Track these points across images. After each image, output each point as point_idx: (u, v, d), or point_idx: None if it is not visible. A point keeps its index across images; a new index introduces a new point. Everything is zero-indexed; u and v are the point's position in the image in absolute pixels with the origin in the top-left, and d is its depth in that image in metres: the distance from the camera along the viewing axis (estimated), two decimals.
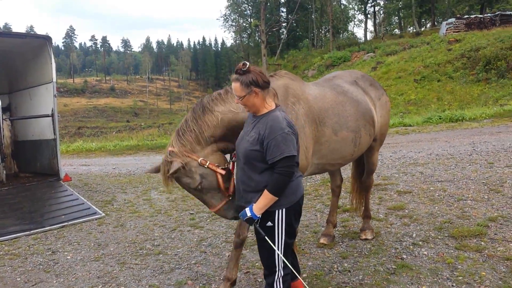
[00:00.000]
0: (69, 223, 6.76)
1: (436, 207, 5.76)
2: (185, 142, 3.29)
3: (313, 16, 51.66)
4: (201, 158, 3.28)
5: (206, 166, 3.28)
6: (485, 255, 4.17)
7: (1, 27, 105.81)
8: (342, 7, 59.61)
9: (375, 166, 4.86)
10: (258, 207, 2.83)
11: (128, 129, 45.95)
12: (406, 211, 5.74)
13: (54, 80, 8.28)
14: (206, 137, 3.32)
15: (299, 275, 3.20)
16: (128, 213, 7.27)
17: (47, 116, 8.55)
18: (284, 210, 2.88)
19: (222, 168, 3.31)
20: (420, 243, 4.63)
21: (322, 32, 59.72)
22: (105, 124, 66.69)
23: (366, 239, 4.87)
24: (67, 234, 6.32)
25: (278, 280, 2.97)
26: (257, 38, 55.82)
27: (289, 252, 3.03)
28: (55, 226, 6.64)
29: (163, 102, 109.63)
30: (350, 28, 67.02)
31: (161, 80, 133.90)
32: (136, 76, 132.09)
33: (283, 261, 2.92)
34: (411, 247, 4.57)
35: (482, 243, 4.47)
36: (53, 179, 8.47)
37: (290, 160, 2.76)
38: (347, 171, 7.26)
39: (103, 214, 7.19)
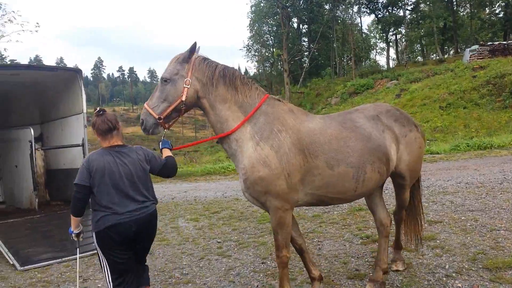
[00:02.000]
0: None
1: (469, 238, 5.65)
2: None
3: (334, 45, 52.04)
4: None
5: None
6: None
7: (32, 59, 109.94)
8: (364, 35, 60.03)
9: (406, 203, 4.70)
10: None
11: None
12: (438, 241, 5.64)
13: (85, 111, 8.55)
14: None
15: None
16: (157, 241, 7.32)
17: (78, 145, 8.79)
18: (94, 233, 3.58)
19: None
20: (454, 274, 4.54)
21: (344, 60, 60.01)
22: None
23: (397, 270, 4.80)
24: (97, 261, 6.39)
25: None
26: (280, 67, 56.36)
27: (116, 270, 3.61)
28: (86, 253, 6.75)
29: (188, 130, 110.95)
30: (372, 56, 67.31)
31: None
32: None
33: (108, 272, 3.61)
34: (444, 279, 4.48)
35: None
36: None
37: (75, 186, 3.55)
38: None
39: None
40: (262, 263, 5.63)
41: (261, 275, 5.16)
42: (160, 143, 4.08)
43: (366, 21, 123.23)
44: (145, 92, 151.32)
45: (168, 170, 3.88)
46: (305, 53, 56.54)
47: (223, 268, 5.55)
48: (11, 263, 6.40)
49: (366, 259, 5.32)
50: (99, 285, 5.36)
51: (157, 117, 3.80)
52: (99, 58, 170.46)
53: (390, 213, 4.86)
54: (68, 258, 6.58)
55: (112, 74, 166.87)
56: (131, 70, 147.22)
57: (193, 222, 8.53)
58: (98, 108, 3.76)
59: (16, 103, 10.58)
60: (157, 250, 6.76)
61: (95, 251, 6.44)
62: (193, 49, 3.92)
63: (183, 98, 3.83)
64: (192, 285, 5.05)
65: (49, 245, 7.05)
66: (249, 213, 8.80)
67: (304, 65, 55.63)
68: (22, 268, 6.24)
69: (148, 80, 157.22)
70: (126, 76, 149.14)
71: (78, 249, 4.01)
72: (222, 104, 3.92)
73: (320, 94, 43.46)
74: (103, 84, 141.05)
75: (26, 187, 9.47)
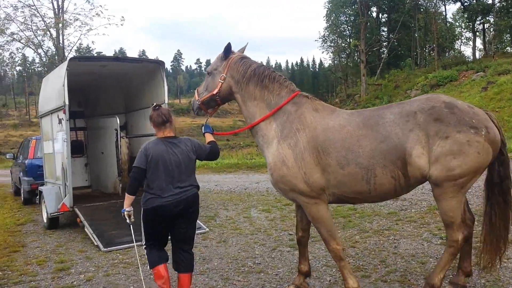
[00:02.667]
0: None
1: None
2: None
3: (416, 35, 49.69)
4: None
5: None
6: None
7: (117, 52, 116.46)
8: (448, 24, 56.69)
9: (451, 218, 3.72)
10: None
11: (228, 148, 47.56)
12: None
13: (166, 101, 8.87)
14: None
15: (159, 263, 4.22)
16: (230, 230, 7.51)
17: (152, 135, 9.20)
18: (142, 209, 4.09)
19: None
20: None
21: (426, 50, 57.17)
22: None
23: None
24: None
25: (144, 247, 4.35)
26: (356, 58, 55.01)
27: (151, 238, 4.25)
28: None
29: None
30: (456, 46, 63.41)
31: None
32: None
33: (144, 235, 4.25)
34: None
35: None
36: None
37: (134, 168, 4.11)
38: None
39: (207, 229, 7.52)
40: None
41: (334, 269, 5.10)
42: (203, 127, 4.59)
43: (451, 9, 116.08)
44: None
45: (212, 156, 4.44)
46: (384, 43, 54.52)
47: (295, 261, 5.55)
48: (96, 244, 6.87)
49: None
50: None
51: (198, 101, 4.56)
52: (178, 50, 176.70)
53: (474, 213, 4.49)
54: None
55: (190, 66, 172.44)
56: (208, 62, 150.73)
57: (265, 213, 8.62)
58: (154, 104, 4.33)
59: (104, 93, 11.27)
60: (231, 238, 6.93)
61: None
62: (227, 49, 4.45)
63: (216, 91, 4.42)
64: (264, 275, 5.12)
65: (131, 228, 7.47)
66: None
67: (382, 55, 53.75)
68: (105, 249, 6.68)
69: None
70: (203, 68, 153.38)
71: (133, 234, 4.50)
72: (252, 101, 4.33)
73: (399, 86, 41.82)
74: (181, 76, 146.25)
75: (111, 173, 10.09)
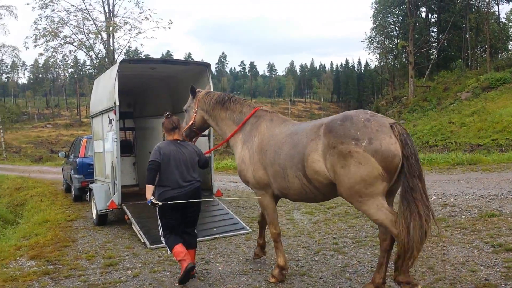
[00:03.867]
0: (220, 235, 7.24)
1: None
2: None
3: (467, 36, 47.82)
4: None
5: None
6: None
7: (164, 54, 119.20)
8: (501, 25, 54.23)
9: (373, 219, 4.06)
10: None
11: None
12: None
13: None
14: None
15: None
16: None
17: (204, 135, 9.32)
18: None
19: None
20: None
21: (478, 52, 54.92)
22: None
23: None
24: (218, 246, 6.77)
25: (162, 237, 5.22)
26: (404, 60, 53.62)
27: (168, 227, 5.12)
28: (208, 237, 7.18)
29: None
30: (510, 47, 60.55)
31: (303, 103, 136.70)
32: (280, 99, 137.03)
33: (162, 228, 5.16)
34: None
35: None
36: (207, 194, 9.15)
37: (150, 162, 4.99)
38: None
39: (250, 230, 7.55)
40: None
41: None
42: None
43: (505, 9, 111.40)
44: (263, 85, 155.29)
45: (205, 165, 5.46)
46: (433, 44, 52.90)
47: (339, 265, 5.48)
48: (142, 241, 7.05)
49: (498, 269, 4.84)
50: (220, 268, 5.64)
51: (183, 133, 5.51)
52: (223, 53, 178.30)
53: None
54: None
55: (234, 68, 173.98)
56: (252, 64, 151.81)
57: (308, 216, 8.55)
58: (167, 113, 5.36)
59: (152, 95, 11.55)
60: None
61: (216, 236, 6.88)
62: (192, 90, 5.82)
63: (191, 122, 5.68)
64: (307, 278, 5.07)
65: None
66: None
67: (431, 57, 52.21)
68: (151, 246, 6.84)
69: (267, 74, 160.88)
70: (247, 70, 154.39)
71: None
72: (221, 122, 5.53)
73: (449, 88, 40.46)
74: (226, 78, 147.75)
75: None
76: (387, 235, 4.28)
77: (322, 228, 7.52)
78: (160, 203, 4.89)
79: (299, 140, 4.48)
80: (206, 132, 9.20)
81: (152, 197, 4.92)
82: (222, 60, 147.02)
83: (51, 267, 6.07)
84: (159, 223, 5.18)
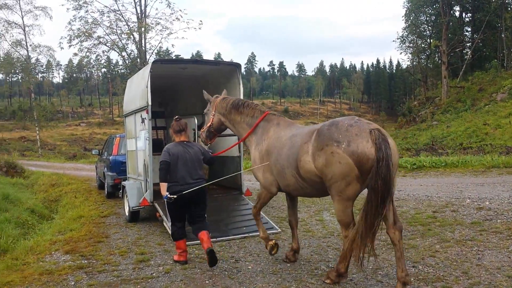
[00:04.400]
0: (250, 234, 7.27)
1: None
2: None
3: (503, 35, 46.33)
4: None
5: None
6: None
7: (194, 55, 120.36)
8: None
9: (339, 218, 4.79)
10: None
11: None
12: None
13: None
14: None
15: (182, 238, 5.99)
16: (302, 232, 7.48)
17: (234, 135, 9.37)
18: (166, 195, 5.66)
19: None
20: None
21: None
22: None
23: None
24: (247, 244, 6.80)
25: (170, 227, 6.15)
26: (437, 59, 52.54)
27: (176, 218, 5.96)
28: (237, 236, 7.22)
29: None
30: None
31: (332, 103, 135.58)
32: (309, 99, 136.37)
33: (170, 218, 6.00)
34: None
35: None
36: (236, 193, 9.21)
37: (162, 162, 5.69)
38: None
39: (279, 230, 7.55)
40: (413, 266, 5.35)
41: (412, 279, 4.90)
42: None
43: None
44: (292, 85, 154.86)
45: (211, 162, 6.25)
46: (467, 44, 51.57)
47: (370, 267, 5.41)
48: None
49: None
50: (249, 267, 5.67)
51: (202, 135, 6.53)
52: (252, 53, 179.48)
53: None
54: (222, 238, 7.10)
55: (263, 68, 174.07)
56: (281, 64, 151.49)
57: None
58: (176, 116, 6.14)
59: (182, 95, 11.69)
60: (303, 240, 6.90)
61: (246, 235, 6.90)
62: (208, 99, 6.58)
63: (209, 124, 6.37)
64: None
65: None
66: (398, 213, 8.39)
67: (465, 57, 50.90)
68: None
69: (296, 74, 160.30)
70: (276, 70, 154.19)
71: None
72: (237, 124, 6.14)
73: (484, 89, 39.37)
74: (254, 78, 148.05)
75: None
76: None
77: None
78: (175, 197, 5.58)
79: (296, 142, 5.08)
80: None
81: (167, 193, 5.63)
82: (251, 60, 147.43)
83: (85, 261, 6.23)
84: (167, 213, 6.08)
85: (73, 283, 5.33)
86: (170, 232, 6.19)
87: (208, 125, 6.38)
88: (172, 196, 5.57)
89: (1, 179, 19.12)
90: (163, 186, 5.66)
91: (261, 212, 8.20)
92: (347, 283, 4.91)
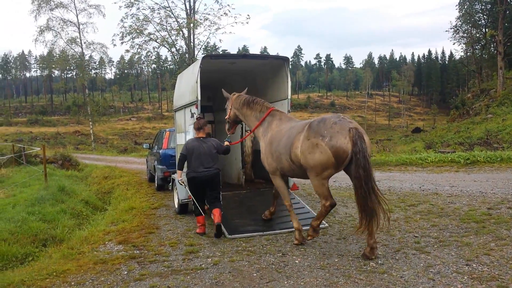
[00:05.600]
0: None
1: None
2: None
3: None
4: None
5: None
6: None
7: (241, 49, 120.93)
8: None
9: (318, 193, 6.04)
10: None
11: None
12: None
13: (289, 97, 8.98)
14: None
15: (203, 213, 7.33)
16: (350, 227, 7.40)
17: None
18: (187, 179, 7.25)
19: None
20: None
21: None
22: None
23: None
24: (292, 238, 6.80)
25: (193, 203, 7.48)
26: (493, 50, 50.01)
27: (196, 198, 7.27)
28: (284, 230, 7.24)
29: (381, 118, 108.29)
30: None
31: (381, 96, 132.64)
32: (356, 92, 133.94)
33: (193, 198, 7.29)
34: None
35: None
36: None
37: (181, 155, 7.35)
38: None
39: (327, 225, 7.50)
40: (467, 265, 5.16)
41: (465, 277, 4.75)
42: (227, 138, 7.76)
43: None
44: (339, 78, 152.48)
45: (226, 152, 7.55)
46: None
47: (421, 264, 5.28)
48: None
49: None
50: (296, 261, 5.67)
51: (226, 125, 7.92)
52: (298, 46, 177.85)
53: None
54: (269, 232, 7.15)
55: (309, 61, 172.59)
56: (328, 56, 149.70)
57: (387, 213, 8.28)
58: (198, 116, 7.73)
59: (230, 89, 11.77)
60: (351, 236, 6.82)
61: (292, 229, 6.94)
62: (226, 96, 7.87)
63: (227, 117, 7.73)
64: (387, 276, 4.94)
65: (253, 219, 7.75)
66: (450, 209, 8.14)
67: None
68: (230, 236, 7.03)
69: (344, 66, 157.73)
70: (322, 63, 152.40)
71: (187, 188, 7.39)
72: (248, 118, 7.38)
73: None
74: (300, 71, 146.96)
75: (235, 165, 10.55)
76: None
77: (402, 226, 7.27)
78: (184, 181, 7.30)
79: (292, 133, 6.22)
80: None
81: (180, 178, 7.34)
82: (297, 53, 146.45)
83: (137, 252, 6.45)
84: (189, 192, 7.42)
85: (125, 272, 5.54)
86: (193, 209, 7.54)
87: (226, 117, 7.72)
88: (182, 179, 7.35)
89: (57, 171, 20.05)
90: (178, 173, 7.37)
91: (308, 207, 8.25)
92: (397, 280, 4.81)
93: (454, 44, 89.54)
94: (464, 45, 54.48)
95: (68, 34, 43.65)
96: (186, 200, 8.73)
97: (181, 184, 7.39)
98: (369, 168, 5.47)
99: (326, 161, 5.59)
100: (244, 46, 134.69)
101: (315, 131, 5.74)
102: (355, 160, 5.43)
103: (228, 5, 28.61)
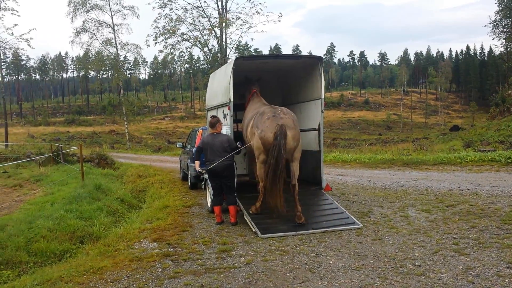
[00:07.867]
0: (330, 229, 7.17)
1: None
2: None
3: None
4: None
5: None
6: None
7: (272, 48, 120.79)
8: None
9: (257, 174, 8.11)
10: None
11: (380, 142, 45.95)
12: None
13: (323, 96, 8.87)
14: None
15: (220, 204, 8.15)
16: (386, 228, 7.23)
17: (314, 129, 9.26)
18: (206, 171, 8.01)
19: None
20: None
21: None
22: (358, 136, 68.51)
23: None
24: (328, 239, 6.71)
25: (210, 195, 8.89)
26: None
27: (214, 189, 8.15)
28: (317, 230, 7.15)
29: (417, 116, 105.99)
30: None
31: (417, 93, 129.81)
32: (391, 89, 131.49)
33: (211, 188, 8.32)
34: None
35: None
36: (316, 188, 9.11)
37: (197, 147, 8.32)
38: None
39: (361, 225, 7.36)
40: (508, 267, 4.96)
41: (507, 280, 4.56)
42: (238, 142, 8.26)
43: None
44: (374, 75, 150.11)
45: (234, 150, 7.97)
46: None
47: (460, 267, 5.11)
48: (254, 230, 7.24)
49: None
50: (330, 262, 5.59)
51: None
52: (331, 43, 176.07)
53: None
54: (302, 232, 7.07)
55: (343, 58, 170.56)
56: (361, 53, 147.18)
57: (425, 214, 8.08)
58: (212, 115, 8.53)
59: (263, 87, 11.75)
60: (386, 237, 6.67)
61: (325, 229, 6.83)
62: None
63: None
64: (425, 278, 4.80)
65: (286, 218, 7.69)
66: (491, 210, 7.85)
67: None
68: (263, 236, 6.99)
69: (378, 63, 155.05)
70: (356, 60, 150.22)
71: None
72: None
73: None
74: (333, 69, 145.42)
75: None
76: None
77: (440, 227, 7.06)
78: (204, 171, 8.04)
79: (251, 117, 8.04)
80: (316, 126, 9.20)
81: (199, 169, 8.13)
82: (330, 51, 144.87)
83: (172, 249, 6.51)
84: (209, 186, 8.47)
85: (160, 270, 5.60)
86: (211, 200, 8.48)
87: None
88: (202, 170, 8.13)
89: (94, 170, 20.57)
90: (196, 163, 8.23)
91: (341, 207, 8.14)
92: (435, 282, 4.66)
93: (493, 39, 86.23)
94: (504, 40, 52.52)
95: (104, 35, 44.59)
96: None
97: (201, 174, 8.63)
98: (279, 159, 6.97)
99: (259, 147, 7.46)
100: (276, 44, 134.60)
101: (256, 121, 7.59)
102: (271, 151, 7.11)
103: (260, 3, 28.46)
